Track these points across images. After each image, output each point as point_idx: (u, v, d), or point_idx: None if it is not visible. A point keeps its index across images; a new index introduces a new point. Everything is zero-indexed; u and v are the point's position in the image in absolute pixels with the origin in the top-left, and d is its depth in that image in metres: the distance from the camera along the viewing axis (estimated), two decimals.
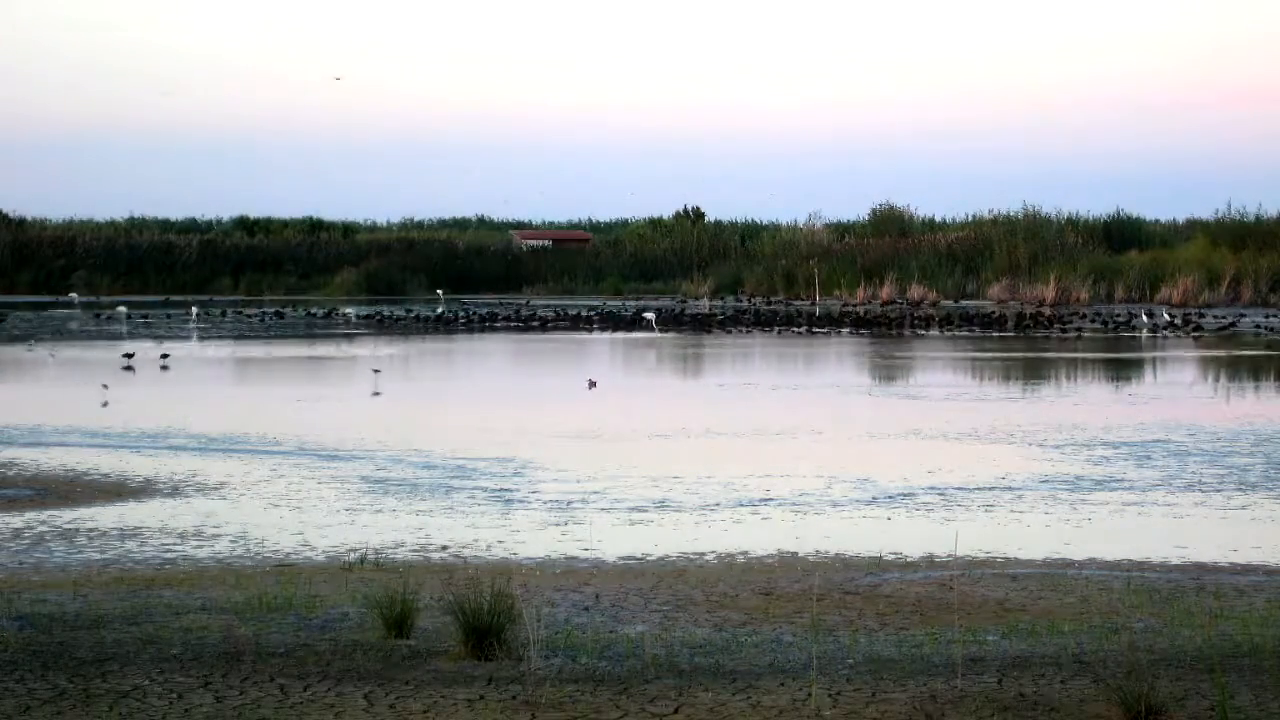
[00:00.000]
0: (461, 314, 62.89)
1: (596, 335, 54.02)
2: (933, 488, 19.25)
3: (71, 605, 11.82)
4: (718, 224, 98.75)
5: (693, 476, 20.10)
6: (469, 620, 9.90)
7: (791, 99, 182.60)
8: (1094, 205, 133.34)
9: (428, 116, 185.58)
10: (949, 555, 14.84)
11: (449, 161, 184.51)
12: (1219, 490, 19.17)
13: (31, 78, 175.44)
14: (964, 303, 72.20)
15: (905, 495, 18.73)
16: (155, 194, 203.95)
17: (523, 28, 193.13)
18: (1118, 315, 59.39)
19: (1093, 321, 59.04)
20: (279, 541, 16.00)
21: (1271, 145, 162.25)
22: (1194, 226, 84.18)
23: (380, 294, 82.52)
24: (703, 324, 59.04)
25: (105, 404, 29.51)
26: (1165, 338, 52.21)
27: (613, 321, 59.84)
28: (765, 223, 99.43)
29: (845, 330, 56.09)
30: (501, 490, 19.15)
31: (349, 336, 52.77)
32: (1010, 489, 19.19)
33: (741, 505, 18.09)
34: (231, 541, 15.98)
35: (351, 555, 14.94)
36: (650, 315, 58.06)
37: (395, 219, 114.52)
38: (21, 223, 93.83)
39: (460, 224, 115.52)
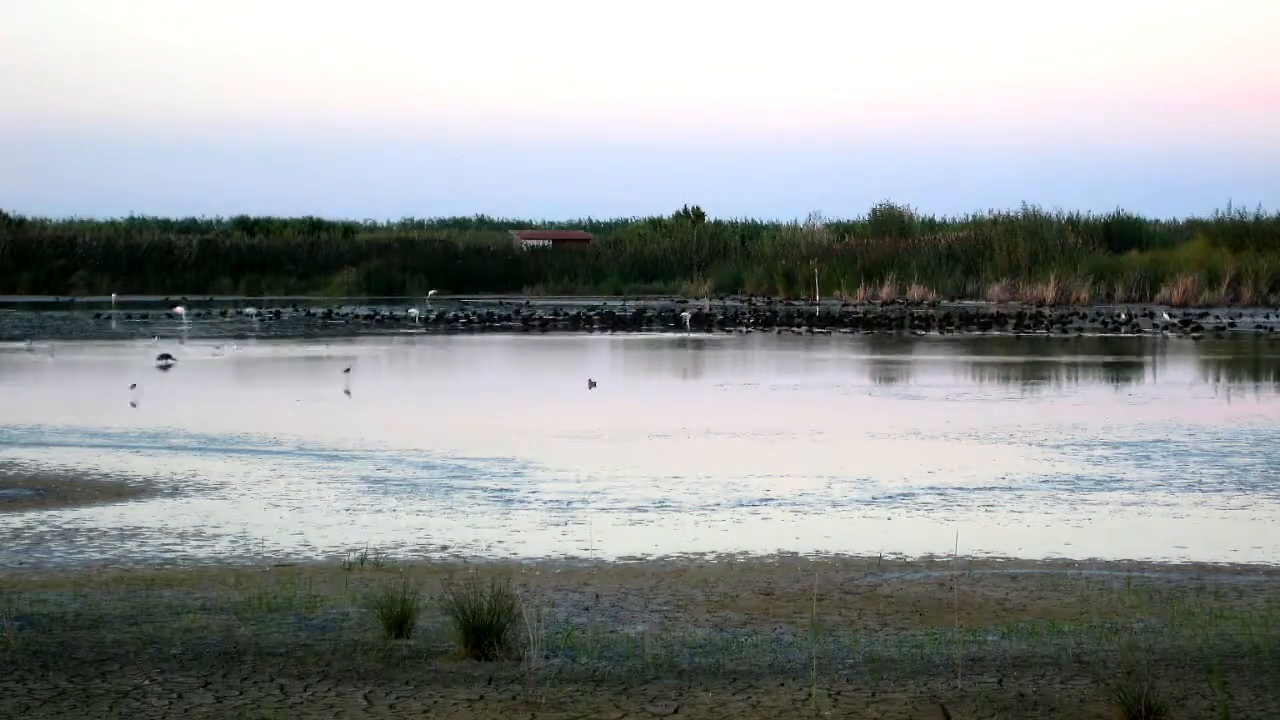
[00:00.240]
0: (461, 315, 62.82)
1: (622, 336, 54.01)
2: (933, 488, 19.25)
3: (71, 605, 11.82)
4: (718, 224, 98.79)
5: (693, 476, 20.10)
6: (469, 620, 9.90)
7: (791, 99, 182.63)
8: (1094, 205, 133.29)
9: (428, 116, 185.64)
10: (949, 555, 14.83)
11: (449, 162, 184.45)
12: (1219, 490, 19.17)
13: (32, 78, 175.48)
14: (964, 303, 72.22)
15: (905, 495, 18.73)
16: (155, 194, 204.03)
17: (523, 28, 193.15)
18: (1118, 315, 59.38)
19: (1093, 321, 59.04)
20: (279, 541, 16.00)
21: (1271, 145, 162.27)
22: (1194, 226, 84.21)
23: (380, 294, 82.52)
24: (739, 322, 58.97)
25: (135, 404, 29.42)
26: (1165, 338, 52.22)
27: (613, 321, 59.83)
28: (765, 223, 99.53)
29: (845, 330, 56.08)
30: (501, 490, 19.15)
31: (408, 335, 52.79)
32: (1010, 489, 19.19)
33: (741, 505, 18.09)
34: (231, 541, 15.98)
35: (351, 555, 14.94)
36: (687, 315, 58.07)
37: (395, 219, 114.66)
38: (21, 223, 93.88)
39: (460, 224, 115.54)
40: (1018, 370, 39.88)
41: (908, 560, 14.85)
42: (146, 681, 9.20)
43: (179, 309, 60.85)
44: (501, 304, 72.18)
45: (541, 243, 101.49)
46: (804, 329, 56.11)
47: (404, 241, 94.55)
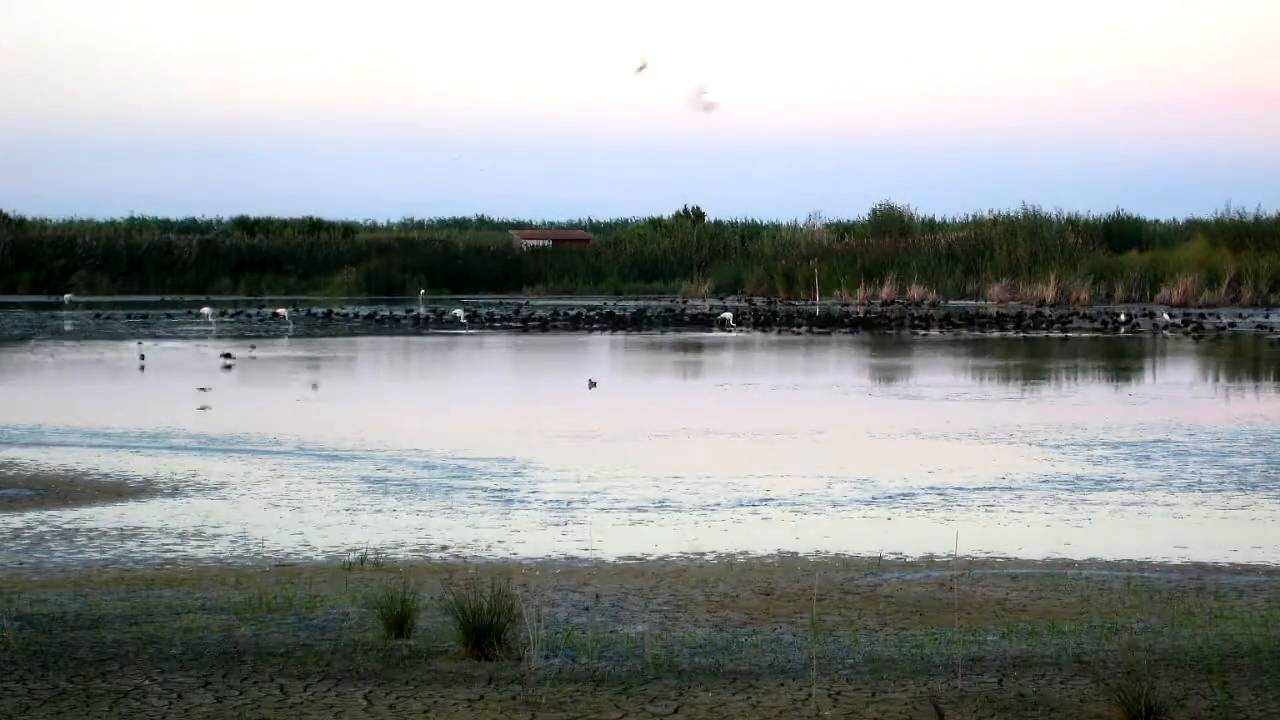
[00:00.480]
0: (461, 316, 62.81)
1: (674, 335, 54.03)
2: (933, 488, 19.25)
3: (71, 605, 11.82)
4: (718, 224, 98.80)
5: (693, 476, 20.10)
6: (469, 620, 9.90)
7: (791, 98, 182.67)
8: (1094, 205, 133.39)
9: (428, 116, 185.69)
10: (949, 555, 14.83)
11: (449, 162, 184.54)
12: (1219, 490, 19.17)
13: (31, 78, 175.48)
14: (964, 303, 72.22)
15: (905, 495, 18.72)
16: (155, 194, 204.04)
17: (523, 28, 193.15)
18: (1118, 315, 59.39)
19: (1093, 321, 59.04)
20: (279, 541, 16.00)
21: (1271, 145, 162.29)
22: (1194, 226, 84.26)
23: (380, 294, 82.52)
24: (792, 323, 58.96)
25: (205, 407, 29.40)
26: (1165, 338, 52.22)
27: (611, 321, 59.83)
28: (765, 223, 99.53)
29: (845, 330, 56.08)
30: (501, 490, 19.15)
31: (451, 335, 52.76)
32: (1010, 489, 19.19)
33: (741, 505, 18.09)
34: (231, 541, 15.98)
35: (351, 555, 14.94)
36: (728, 315, 58.03)
37: (395, 219, 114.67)
38: (21, 223, 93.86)
39: (460, 224, 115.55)
40: (1018, 370, 39.87)
41: (908, 560, 14.85)
42: (146, 681, 9.20)
43: (205, 309, 60.86)
44: (501, 303, 72.17)
45: (541, 243, 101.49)
46: (804, 329, 56.11)
47: (404, 241, 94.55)
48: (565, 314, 63.53)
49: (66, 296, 73.61)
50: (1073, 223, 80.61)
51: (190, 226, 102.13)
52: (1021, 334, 54.00)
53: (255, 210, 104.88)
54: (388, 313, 65.24)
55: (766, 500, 18.43)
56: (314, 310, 67.35)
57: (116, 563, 14.79)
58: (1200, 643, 10.52)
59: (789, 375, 38.74)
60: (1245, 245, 73.06)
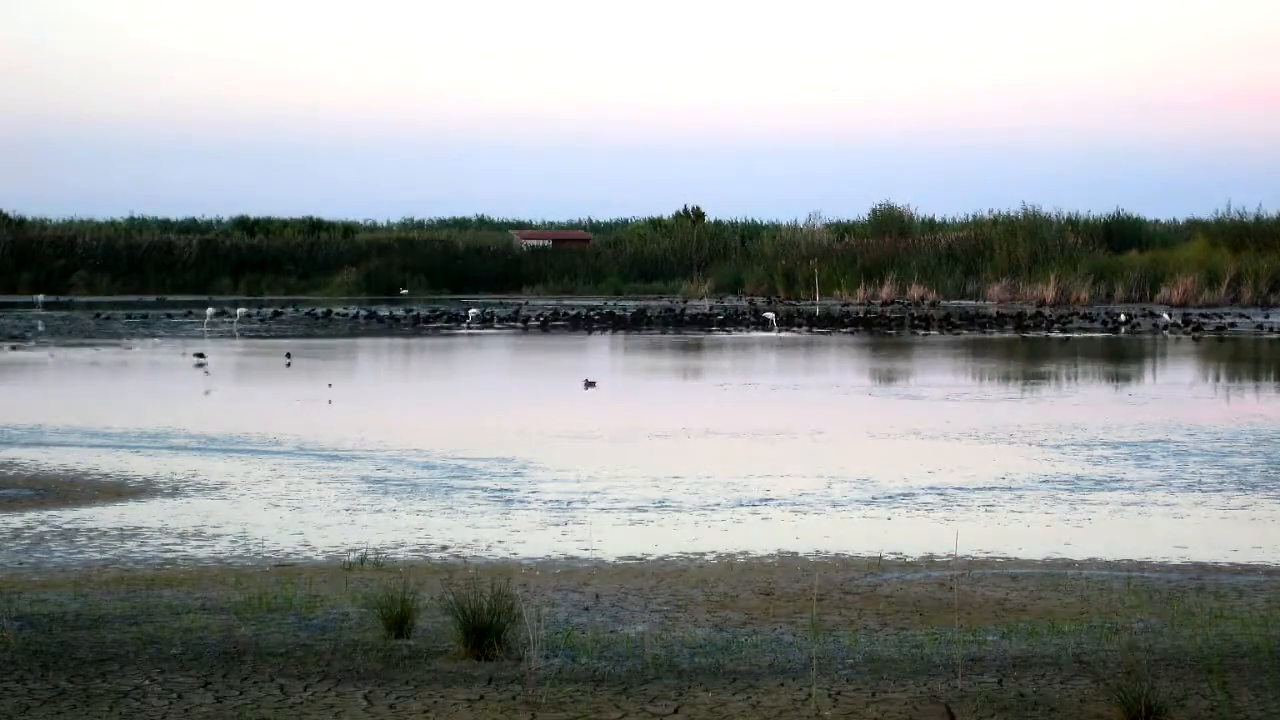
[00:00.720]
0: (519, 315, 62.44)
1: (700, 335, 54.01)
2: (933, 488, 19.25)
3: (71, 605, 11.82)
4: (718, 224, 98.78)
5: (693, 476, 20.10)
6: (469, 620, 9.90)
7: (792, 99, 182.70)
8: (1094, 205, 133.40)
9: (428, 116, 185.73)
10: (949, 555, 14.83)
11: (449, 161, 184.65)
12: (1219, 490, 19.17)
13: (32, 78, 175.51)
14: (964, 303, 72.21)
15: (905, 495, 18.72)
16: (155, 194, 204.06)
17: (523, 28, 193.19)
18: (1118, 315, 59.39)
19: (1093, 322, 59.03)
20: (279, 541, 16.00)
21: (1271, 145, 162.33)
22: (1194, 226, 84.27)
23: (380, 294, 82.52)
24: (838, 323, 58.95)
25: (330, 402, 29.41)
26: (1165, 338, 52.22)
27: (612, 322, 59.83)
28: (765, 223, 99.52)
29: (845, 330, 56.08)
30: (501, 490, 19.15)
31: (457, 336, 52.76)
32: (1010, 489, 19.19)
33: (741, 505, 18.09)
34: (231, 541, 15.98)
35: (351, 555, 14.94)
36: (770, 315, 57.97)
37: (395, 219, 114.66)
38: (21, 223, 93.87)
39: (460, 224, 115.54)
40: (1018, 370, 39.87)
41: (908, 560, 14.84)
42: (146, 681, 9.20)
43: (209, 310, 60.88)
44: (502, 304, 72.16)
45: (541, 243, 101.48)
46: (804, 329, 56.12)
47: (404, 241, 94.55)
48: (565, 314, 63.48)
49: (39, 297, 73.47)
50: (1073, 223, 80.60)
51: (190, 226, 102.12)
52: (1021, 334, 54.00)
53: (255, 210, 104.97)
54: (387, 312, 65.22)
55: (766, 500, 18.43)
56: (315, 310, 67.33)
57: (116, 563, 14.79)
58: (1200, 643, 10.52)
59: (789, 375, 38.73)
60: (1245, 245, 73.06)
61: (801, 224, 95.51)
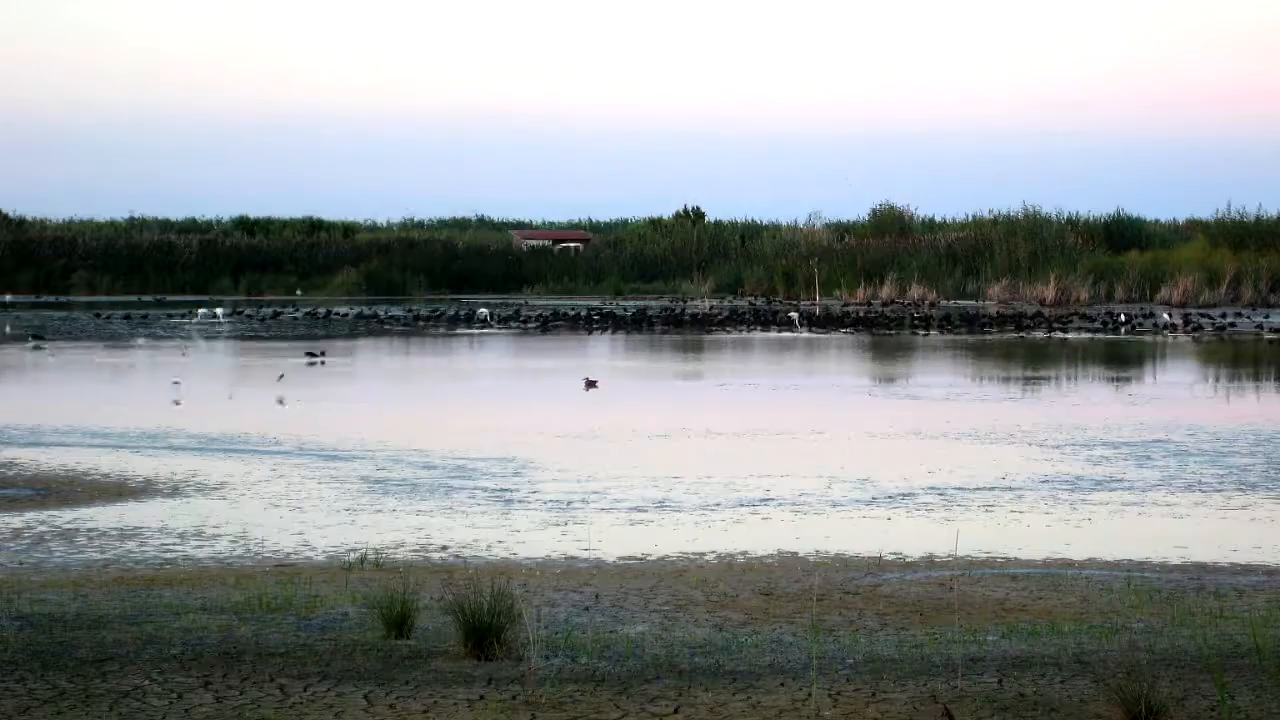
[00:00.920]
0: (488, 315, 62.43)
1: (732, 336, 53.97)
2: (933, 488, 19.25)
3: (71, 605, 11.81)
4: (718, 224, 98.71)
5: (693, 476, 20.10)
6: (469, 620, 9.90)
7: (792, 98, 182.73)
8: (1094, 205, 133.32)
9: (428, 116, 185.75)
10: (949, 555, 14.83)
11: (449, 162, 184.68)
12: (1219, 490, 19.17)
13: (31, 78, 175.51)
14: (964, 303, 72.20)
15: (905, 495, 18.72)
16: (155, 194, 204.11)
17: (523, 28, 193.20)
18: (1118, 315, 59.38)
19: (1093, 322, 59.02)
20: (279, 541, 16.00)
21: (1271, 145, 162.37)
22: (1194, 226, 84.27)
23: (380, 294, 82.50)
24: (886, 324, 58.91)
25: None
26: (1165, 338, 52.22)
27: (613, 321, 59.81)
28: (765, 223, 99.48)
29: (845, 330, 56.07)
30: (501, 490, 19.15)
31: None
32: (1010, 489, 19.19)
33: (741, 505, 18.09)
34: (231, 541, 15.98)
35: (351, 555, 14.94)
36: (795, 315, 57.81)
37: (395, 219, 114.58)
38: (21, 223, 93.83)
39: (460, 224, 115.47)
40: (1018, 370, 39.88)
41: (908, 560, 14.84)
42: (146, 681, 9.19)
43: (202, 310, 60.73)
44: (504, 304, 72.16)
45: (541, 243, 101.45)
46: (804, 329, 56.12)
47: (404, 241, 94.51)
48: (565, 314, 63.45)
49: (6, 296, 73.34)
50: (1073, 223, 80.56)
51: (190, 226, 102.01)
52: (1021, 334, 53.99)
53: (255, 210, 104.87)
54: (384, 312, 65.20)
55: (766, 500, 18.43)
56: (317, 310, 67.31)
57: (116, 563, 14.79)
58: (1200, 643, 10.51)
59: (789, 375, 38.74)
60: (1245, 245, 73.06)
61: (801, 224, 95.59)
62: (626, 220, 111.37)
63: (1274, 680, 9.26)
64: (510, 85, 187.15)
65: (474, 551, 15.38)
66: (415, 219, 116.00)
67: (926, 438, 24.43)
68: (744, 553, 15.29)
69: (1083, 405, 29.82)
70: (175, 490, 19.16)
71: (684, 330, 56.52)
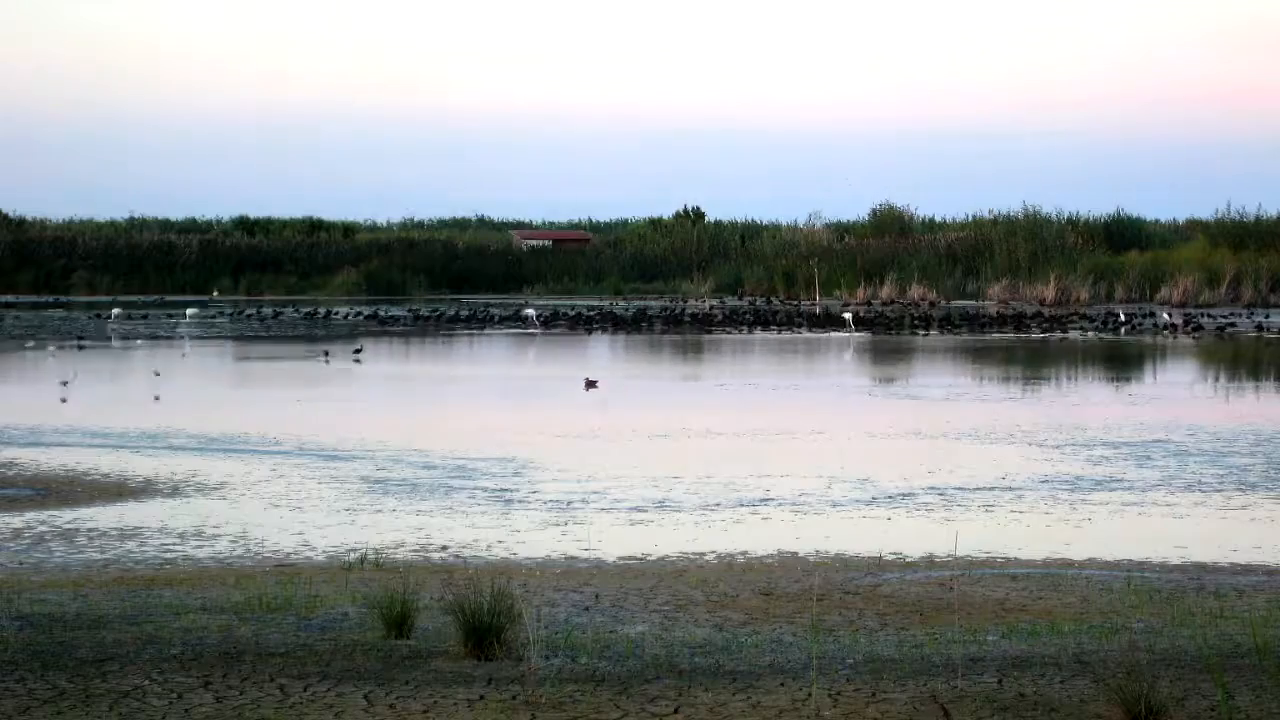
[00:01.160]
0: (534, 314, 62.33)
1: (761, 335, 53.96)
2: (933, 488, 19.25)
3: (71, 605, 11.82)
4: (718, 224, 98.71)
5: (693, 476, 20.10)
6: (469, 620, 9.90)
7: (792, 98, 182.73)
8: (1094, 205, 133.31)
9: (428, 116, 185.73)
10: (949, 555, 14.83)
11: (449, 162, 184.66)
12: (1219, 490, 19.17)
13: (31, 78, 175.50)
14: (964, 303, 72.20)
15: (905, 495, 18.72)
16: (155, 194, 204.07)
17: (523, 28, 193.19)
18: (1118, 315, 59.36)
19: (1092, 322, 59.02)
20: (279, 541, 16.00)
21: (1271, 145, 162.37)
22: (1194, 226, 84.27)
23: (380, 294, 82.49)
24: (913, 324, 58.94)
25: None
26: (1165, 338, 52.23)
27: (612, 322, 59.79)
28: (765, 223, 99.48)
29: (845, 330, 56.07)
30: (501, 490, 19.15)
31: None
32: (1010, 489, 19.19)
33: (741, 505, 18.09)
34: (231, 541, 15.98)
35: (351, 555, 14.94)
36: (849, 315, 57.55)
37: (395, 219, 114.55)
38: (21, 223, 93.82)
39: (460, 224, 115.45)
40: (1018, 370, 39.88)
41: (908, 560, 14.84)
42: (146, 681, 9.19)
43: (191, 310, 60.49)
44: (503, 304, 72.16)
45: (541, 243, 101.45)
46: (804, 329, 56.14)
47: (404, 241, 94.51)
48: (565, 314, 63.44)
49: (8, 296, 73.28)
50: (1073, 223, 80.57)
51: (190, 226, 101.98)
52: (1021, 334, 54.00)
53: (255, 210, 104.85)
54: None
55: (766, 500, 18.43)
56: (314, 310, 67.30)
57: (116, 563, 14.79)
58: (1200, 643, 10.51)
59: (789, 375, 38.74)
60: (1245, 245, 73.08)
61: (801, 224, 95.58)
62: (626, 220, 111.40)
63: (1274, 680, 9.26)
64: (510, 85, 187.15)
65: (474, 551, 15.38)
66: (415, 219, 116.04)
67: (926, 438, 24.43)
68: (744, 553, 15.29)
69: (1083, 405, 29.82)
70: (175, 490, 19.16)
71: (683, 330, 56.51)
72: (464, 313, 63.82)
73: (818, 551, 15.36)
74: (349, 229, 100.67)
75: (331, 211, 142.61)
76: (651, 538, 16.14)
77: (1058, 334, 53.54)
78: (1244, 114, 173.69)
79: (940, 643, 10.60)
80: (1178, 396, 31.53)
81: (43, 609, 11.60)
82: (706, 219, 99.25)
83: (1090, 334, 53.77)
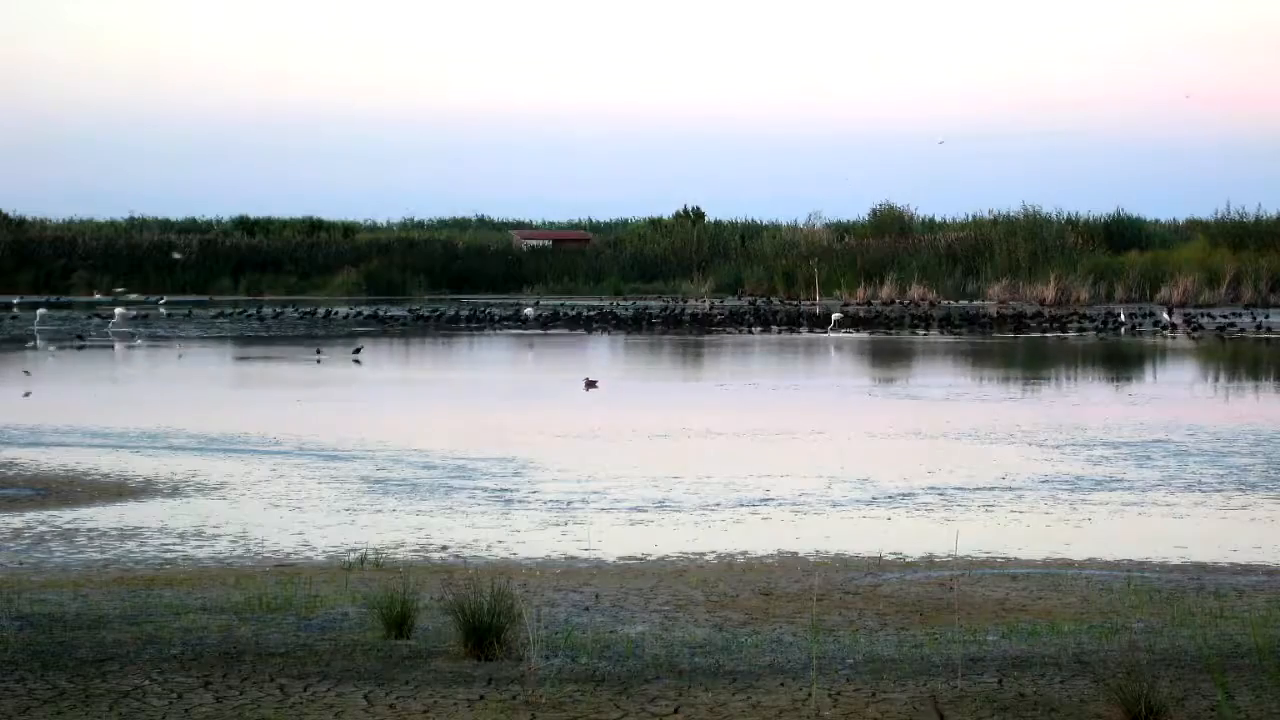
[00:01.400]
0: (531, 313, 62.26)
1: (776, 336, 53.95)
2: (933, 488, 19.25)
3: (71, 605, 11.82)
4: (718, 224, 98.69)
5: (693, 476, 20.10)
6: (469, 620, 9.90)
7: (792, 98, 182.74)
8: (1094, 205, 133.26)
9: (428, 116, 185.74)
10: (949, 555, 14.84)
11: (449, 162, 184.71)
12: (1219, 490, 19.17)
13: (31, 78, 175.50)
14: (964, 303, 72.20)
15: (905, 495, 18.73)
16: (155, 194, 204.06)
17: (523, 28, 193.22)
18: (1118, 315, 59.34)
19: (1092, 322, 59.00)
20: (279, 541, 16.00)
21: (1272, 145, 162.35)
22: (1194, 226, 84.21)
23: (380, 294, 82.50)
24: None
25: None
26: (1165, 338, 52.22)
27: (613, 321, 59.80)
28: (765, 223, 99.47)
29: (845, 330, 56.07)
30: (501, 490, 19.15)
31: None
32: (1010, 489, 19.19)
33: (741, 505, 18.09)
34: (231, 541, 15.98)
35: (351, 555, 14.94)
36: (838, 315, 57.50)
37: (395, 219, 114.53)
38: (21, 223, 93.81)
39: (460, 224, 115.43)
40: (1018, 370, 39.88)
41: (908, 560, 14.85)
42: (146, 681, 9.20)
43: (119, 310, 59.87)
44: (502, 304, 72.15)
45: (541, 243, 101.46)
46: (804, 329, 56.13)
47: (404, 241, 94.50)
48: (565, 314, 63.45)
49: (16, 300, 73.10)
50: (1073, 223, 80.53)
51: (190, 226, 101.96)
52: (1021, 334, 53.99)
53: (255, 210, 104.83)
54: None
55: (766, 500, 18.43)
56: (312, 310, 67.29)
57: (116, 563, 14.79)
58: (1200, 643, 10.52)
59: (789, 375, 38.74)
60: (1245, 245, 73.05)
61: (801, 224, 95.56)
62: (626, 220, 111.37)
63: (1274, 680, 9.26)
64: (510, 85, 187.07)
65: (474, 551, 15.38)
66: (415, 219, 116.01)
67: (926, 438, 24.43)
68: (744, 553, 15.29)
69: (1083, 405, 29.82)
70: (175, 490, 19.16)
71: (683, 330, 56.49)
72: (464, 312, 63.81)
73: (818, 551, 15.36)
74: (349, 229, 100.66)
75: (331, 211, 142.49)
76: (651, 538, 16.14)
77: (1057, 334, 53.52)
78: (1244, 114, 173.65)
79: (940, 643, 10.60)
80: (1178, 396, 31.52)
81: (43, 609, 11.60)
82: (706, 219, 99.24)
83: (1090, 334, 53.74)
